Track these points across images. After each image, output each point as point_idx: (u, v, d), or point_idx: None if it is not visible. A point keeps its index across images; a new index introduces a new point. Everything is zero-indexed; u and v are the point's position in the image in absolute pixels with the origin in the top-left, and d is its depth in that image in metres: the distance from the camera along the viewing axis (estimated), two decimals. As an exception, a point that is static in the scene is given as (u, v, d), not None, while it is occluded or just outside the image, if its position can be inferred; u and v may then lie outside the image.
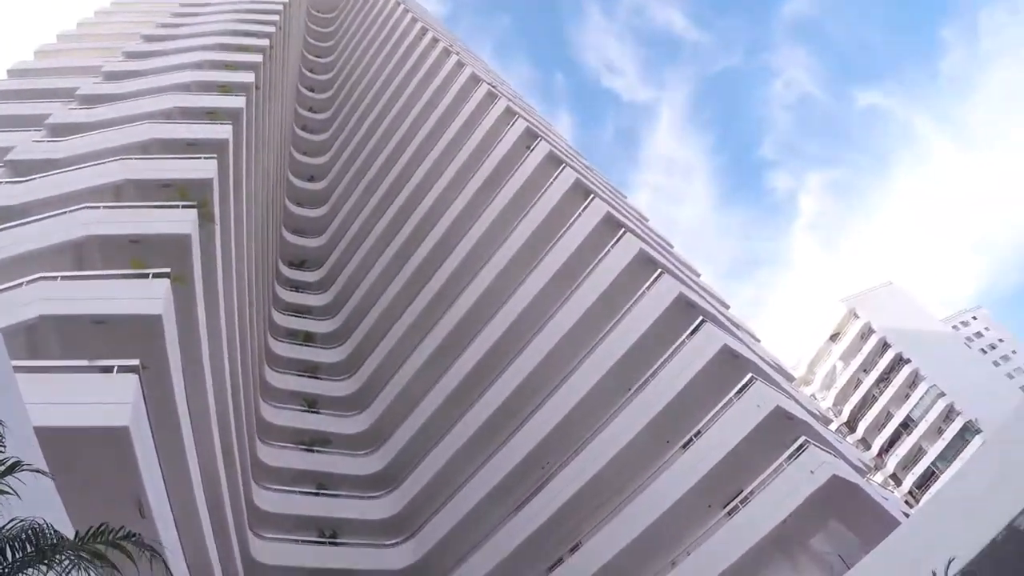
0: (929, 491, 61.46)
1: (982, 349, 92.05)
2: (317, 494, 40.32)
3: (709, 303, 37.14)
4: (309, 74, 74.24)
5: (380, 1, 71.54)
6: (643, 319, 33.91)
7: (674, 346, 32.51)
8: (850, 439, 72.90)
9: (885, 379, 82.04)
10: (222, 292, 29.50)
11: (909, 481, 77.17)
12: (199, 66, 39.21)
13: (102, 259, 24.94)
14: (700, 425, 31.48)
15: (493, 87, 48.64)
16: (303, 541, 37.26)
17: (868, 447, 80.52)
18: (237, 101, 33.13)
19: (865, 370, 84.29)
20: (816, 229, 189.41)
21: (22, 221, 24.94)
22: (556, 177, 40.36)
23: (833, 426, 58.00)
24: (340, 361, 48.40)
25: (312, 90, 72.23)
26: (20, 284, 21.61)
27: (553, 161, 41.67)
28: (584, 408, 34.41)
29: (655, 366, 32.80)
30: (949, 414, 76.91)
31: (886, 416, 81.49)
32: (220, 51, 41.63)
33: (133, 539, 9.84)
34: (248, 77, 37.57)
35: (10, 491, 9.17)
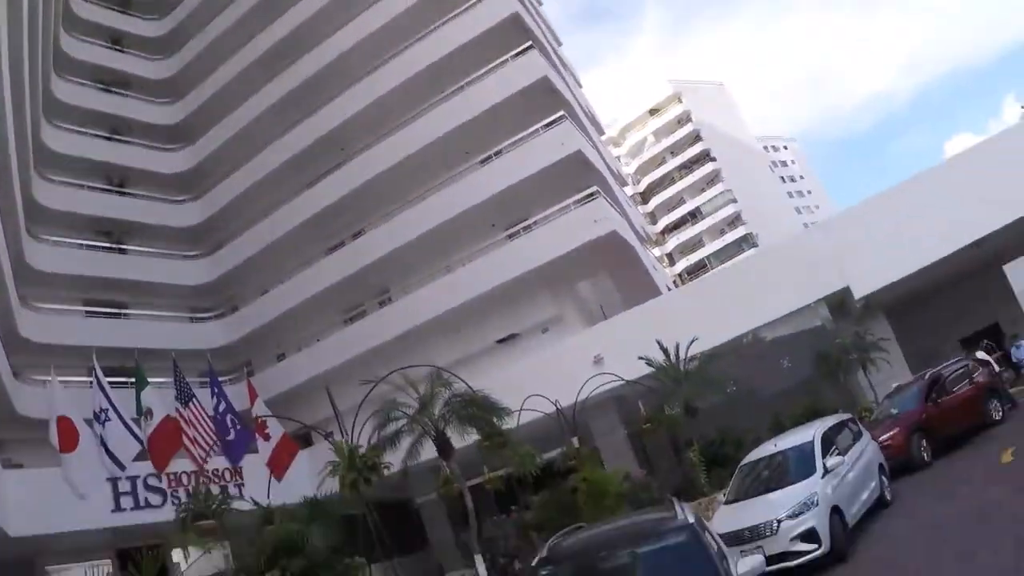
0: (697, 278, 67.49)
1: (782, 177, 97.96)
2: (109, 139, 38.28)
3: (543, 32, 36.80)
4: None
5: None
6: (469, 29, 33.14)
7: (497, 62, 32.23)
8: (640, 209, 77.72)
9: (688, 168, 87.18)
10: None
11: (682, 265, 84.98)
12: None
13: None
14: (503, 146, 32.20)
15: None
16: (89, 187, 35.59)
17: (655, 222, 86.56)
18: None
19: (672, 152, 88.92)
20: (673, 8, 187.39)
21: None
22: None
23: (628, 191, 61.42)
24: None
25: None
26: None
27: None
28: (394, 100, 33.97)
29: (473, 76, 32.58)
30: (735, 220, 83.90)
31: (679, 201, 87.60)
32: None
33: None
34: None
35: None
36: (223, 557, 17.42)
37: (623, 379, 22.83)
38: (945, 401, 18.09)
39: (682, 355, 21.80)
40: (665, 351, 21.91)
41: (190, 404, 17.55)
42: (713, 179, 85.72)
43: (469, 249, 32.31)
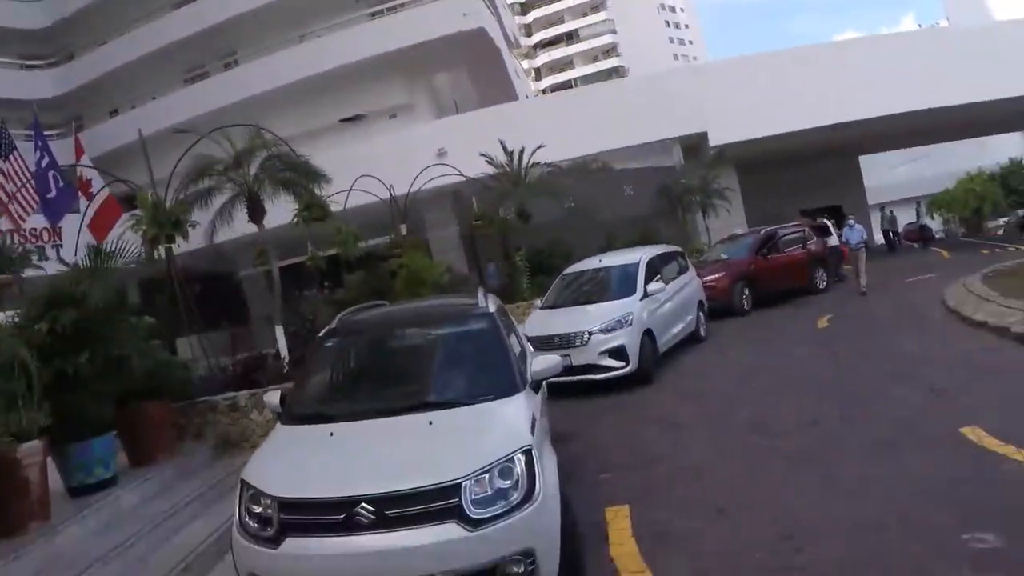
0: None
1: (667, 22, 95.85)
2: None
3: None
4: None
5: None
6: None
7: None
8: (516, 19, 74.53)
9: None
10: None
11: (547, 82, 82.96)
12: None
13: None
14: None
15: None
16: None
17: (529, 35, 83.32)
18: None
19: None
20: None
21: None
22: None
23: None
24: None
25: None
26: None
27: None
28: None
29: None
30: (610, 51, 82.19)
31: (559, 19, 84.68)
32: None
33: None
34: None
35: None
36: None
37: (463, 174, 21.41)
38: (775, 258, 18.11)
39: (525, 160, 20.71)
40: (508, 152, 20.83)
41: (11, 157, 15.23)
42: (598, 5, 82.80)
43: (328, 22, 29.68)
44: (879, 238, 35.47)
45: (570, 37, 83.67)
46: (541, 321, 11.87)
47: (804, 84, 24.35)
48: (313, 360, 6.20)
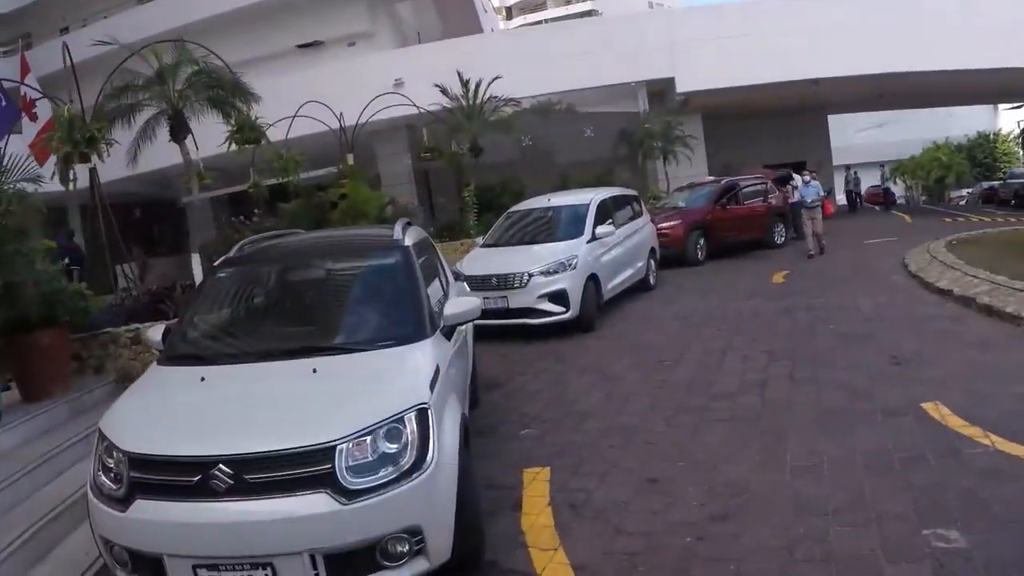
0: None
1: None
2: None
3: None
4: None
5: None
6: None
7: None
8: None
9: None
10: None
11: (518, 22, 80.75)
12: None
13: None
14: None
15: None
16: None
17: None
18: None
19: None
20: None
21: None
22: None
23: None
24: None
25: None
26: None
27: None
28: None
29: None
30: (584, -6, 79.95)
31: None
32: None
33: None
34: None
35: None
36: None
37: (417, 106, 20.22)
38: (734, 209, 17.48)
39: (481, 93, 19.59)
40: (464, 82, 19.81)
41: (-47, 73, 13.93)
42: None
43: None
44: (841, 199, 35.16)
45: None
46: (480, 259, 11.02)
47: (777, 37, 23.39)
48: (201, 292, 5.28)
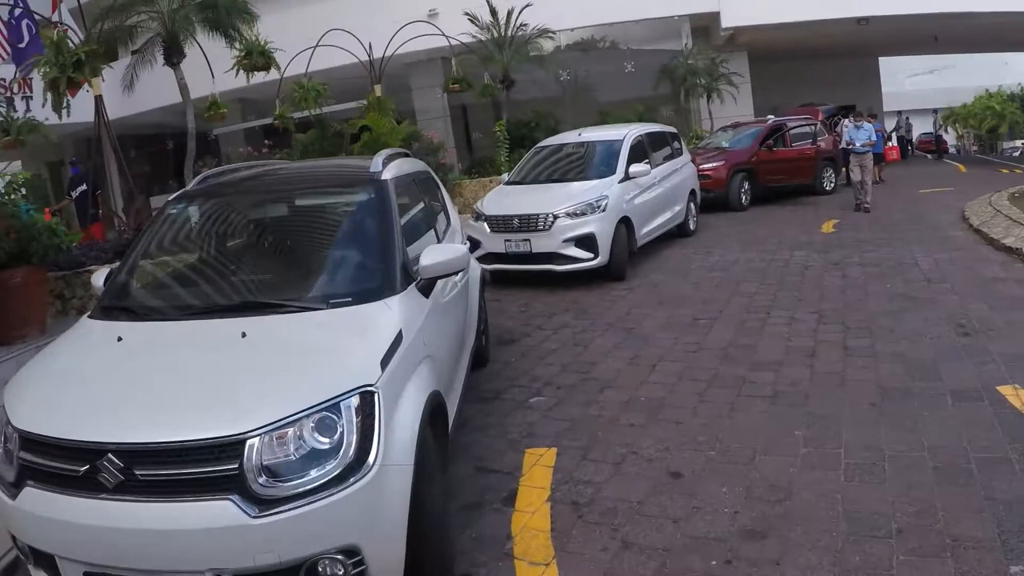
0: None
1: None
2: None
3: None
4: None
5: None
6: None
7: None
8: None
9: None
10: None
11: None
12: None
13: None
14: None
15: None
16: None
17: None
18: None
19: None
20: None
21: None
22: None
23: None
24: None
25: None
26: None
27: None
28: None
29: None
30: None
31: None
32: None
33: None
34: None
35: None
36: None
37: (446, 35, 19.04)
38: (781, 152, 16.30)
39: (513, 22, 18.52)
40: (493, 10, 18.62)
41: (-20, 4, 13.66)
42: None
43: None
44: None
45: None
46: (502, 198, 10.14)
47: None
48: (148, 231, 4.44)
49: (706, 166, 14.68)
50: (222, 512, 2.54)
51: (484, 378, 6.01)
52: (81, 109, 12.83)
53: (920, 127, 39.09)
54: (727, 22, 22.56)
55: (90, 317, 3.81)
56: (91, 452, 2.66)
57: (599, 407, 5.22)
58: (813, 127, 17.62)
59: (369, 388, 2.81)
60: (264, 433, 2.61)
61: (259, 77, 15.55)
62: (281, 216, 4.52)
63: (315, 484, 2.61)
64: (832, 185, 17.31)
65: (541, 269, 9.25)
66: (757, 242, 11.55)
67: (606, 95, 23.14)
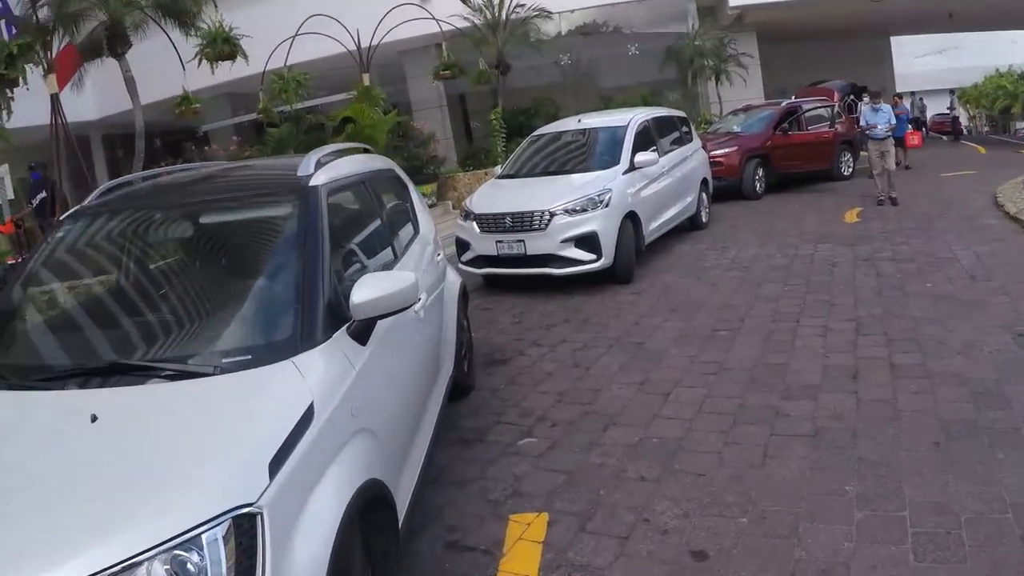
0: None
1: None
2: None
3: None
4: None
5: None
6: None
7: None
8: None
9: None
10: None
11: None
12: None
13: None
14: None
15: None
16: None
17: None
18: None
19: None
20: None
21: None
22: None
23: None
24: None
25: None
26: None
27: None
28: None
29: None
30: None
31: None
32: None
33: None
34: None
35: None
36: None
37: (437, 19, 18.05)
38: (796, 136, 15.34)
39: (508, 2, 17.60)
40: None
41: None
42: None
43: None
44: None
45: None
46: (493, 194, 9.20)
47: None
48: (32, 259, 3.47)
49: (718, 152, 13.77)
50: None
51: (467, 411, 5.12)
52: (41, 109, 12.02)
53: (931, 108, 38.07)
54: (734, 0, 21.60)
55: None
56: None
57: (602, 453, 4.31)
58: (831, 108, 16.64)
59: (249, 509, 1.90)
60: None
61: (247, 70, 14.71)
62: (181, 239, 3.55)
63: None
64: (850, 170, 16.32)
65: (537, 273, 8.34)
66: (776, 235, 10.61)
67: (609, 80, 22.23)
